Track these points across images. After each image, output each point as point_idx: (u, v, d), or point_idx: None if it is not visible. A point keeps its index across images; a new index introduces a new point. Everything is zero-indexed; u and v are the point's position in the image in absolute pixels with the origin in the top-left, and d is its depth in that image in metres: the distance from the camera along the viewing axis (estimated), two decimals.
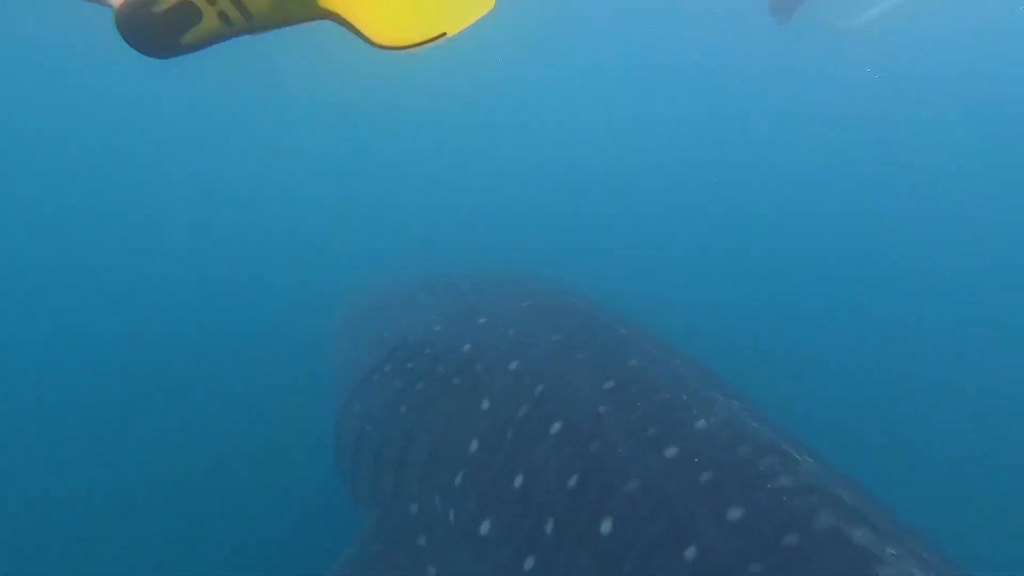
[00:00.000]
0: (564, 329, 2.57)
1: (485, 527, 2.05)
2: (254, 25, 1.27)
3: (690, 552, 1.59)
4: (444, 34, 1.25)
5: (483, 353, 2.54)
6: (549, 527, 1.88)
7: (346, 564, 2.44)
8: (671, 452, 1.82)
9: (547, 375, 2.27)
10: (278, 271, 7.18)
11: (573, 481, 1.90)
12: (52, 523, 4.23)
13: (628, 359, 2.32)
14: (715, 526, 1.60)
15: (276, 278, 7.03)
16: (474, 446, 2.22)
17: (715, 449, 1.79)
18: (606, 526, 1.77)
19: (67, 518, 4.27)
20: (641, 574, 1.65)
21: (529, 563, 1.88)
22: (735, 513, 1.60)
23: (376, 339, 3.18)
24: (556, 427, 2.05)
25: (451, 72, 13.59)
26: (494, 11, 1.34)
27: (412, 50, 1.25)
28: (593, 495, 1.84)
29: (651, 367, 2.27)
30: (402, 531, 2.42)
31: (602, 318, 2.76)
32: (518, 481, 2.02)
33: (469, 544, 2.10)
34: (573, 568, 1.80)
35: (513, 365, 2.38)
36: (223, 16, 1.23)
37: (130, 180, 9.99)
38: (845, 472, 1.89)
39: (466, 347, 2.63)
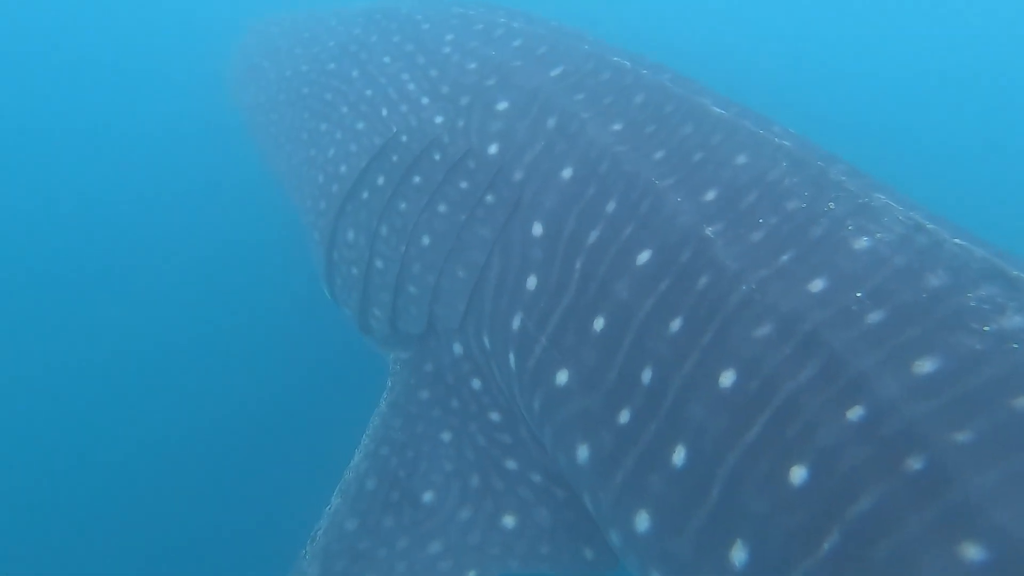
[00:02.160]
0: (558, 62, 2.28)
1: (563, 376, 1.81)
2: None
3: (855, 413, 1.22)
4: None
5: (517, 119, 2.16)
6: (647, 376, 1.61)
7: (391, 409, 2.23)
8: (818, 285, 1.41)
9: (624, 172, 1.87)
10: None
11: (677, 323, 1.59)
12: (50, 523, 3.91)
13: (682, 125, 1.92)
14: (895, 380, 1.21)
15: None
16: (531, 283, 1.96)
17: (887, 277, 1.36)
18: (728, 377, 1.43)
19: (60, 518, 3.95)
20: (781, 437, 1.30)
21: (624, 416, 1.63)
22: (927, 366, 1.19)
23: (342, 112, 2.78)
24: (645, 256, 1.72)
25: None
26: None
27: None
28: (707, 339, 1.49)
29: (717, 128, 1.85)
30: (448, 373, 2.26)
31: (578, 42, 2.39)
32: (599, 323, 1.76)
33: (540, 393, 1.87)
34: (683, 423, 1.49)
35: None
36: None
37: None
38: None
39: (502, 104, 2.23)
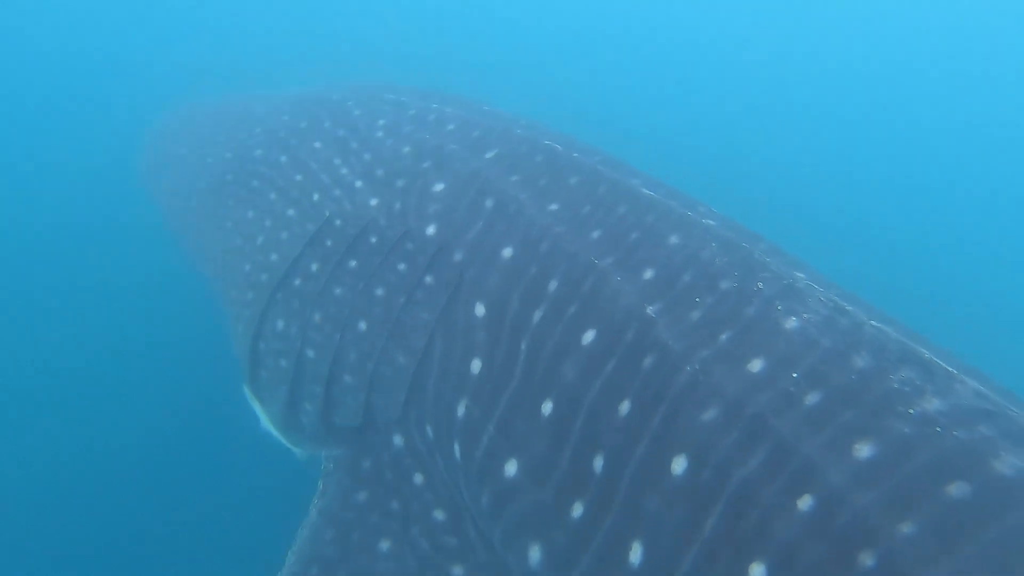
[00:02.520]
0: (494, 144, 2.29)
1: (512, 467, 1.71)
2: None
3: (805, 503, 1.22)
4: None
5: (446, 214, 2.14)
6: (598, 464, 1.55)
7: (323, 517, 2.05)
8: (756, 365, 1.43)
9: (549, 248, 1.90)
10: None
11: (625, 406, 1.55)
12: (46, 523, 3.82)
13: (616, 206, 1.94)
14: (839, 467, 1.22)
15: None
16: (476, 366, 1.89)
17: (818, 359, 1.39)
18: (679, 464, 1.41)
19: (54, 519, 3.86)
20: (737, 531, 1.28)
21: (577, 510, 1.55)
22: (865, 451, 1.22)
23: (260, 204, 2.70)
24: (589, 336, 1.69)
25: None
26: None
27: None
28: (656, 423, 1.47)
29: (649, 209, 1.88)
30: (388, 469, 2.11)
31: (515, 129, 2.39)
32: (547, 407, 1.69)
33: (489, 486, 1.76)
34: (638, 517, 1.44)
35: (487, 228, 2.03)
36: None
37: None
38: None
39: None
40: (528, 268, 1.91)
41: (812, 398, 1.33)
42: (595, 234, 1.89)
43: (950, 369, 1.33)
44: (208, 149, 3.21)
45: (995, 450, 1.16)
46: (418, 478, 2.07)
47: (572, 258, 1.84)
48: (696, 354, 1.50)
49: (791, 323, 1.49)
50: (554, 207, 2.03)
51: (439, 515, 2.00)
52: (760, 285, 1.59)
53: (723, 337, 1.51)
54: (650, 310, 1.62)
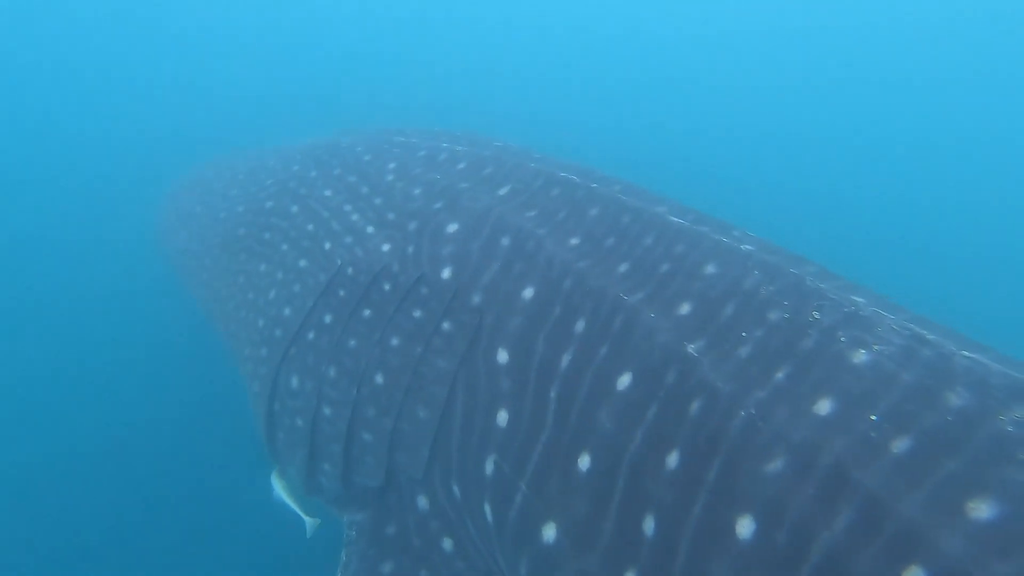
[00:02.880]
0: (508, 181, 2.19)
1: (550, 531, 1.54)
2: None
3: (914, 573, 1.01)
4: None
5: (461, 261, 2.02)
6: (649, 526, 1.37)
7: None
8: (824, 407, 1.23)
9: (576, 285, 1.75)
10: None
11: (673, 458, 1.37)
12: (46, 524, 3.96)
13: (642, 236, 1.80)
14: (954, 530, 1.00)
15: None
16: (502, 418, 1.74)
17: (901, 397, 1.19)
18: (746, 525, 1.21)
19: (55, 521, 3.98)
20: None
21: None
22: (983, 510, 1.00)
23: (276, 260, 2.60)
24: (626, 380, 1.53)
25: None
26: None
27: None
28: (712, 477, 1.28)
29: (679, 238, 1.73)
30: (414, 535, 1.95)
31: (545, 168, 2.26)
32: (584, 462, 1.52)
33: (526, 553, 1.59)
34: None
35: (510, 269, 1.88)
36: None
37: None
38: None
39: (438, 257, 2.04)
40: (552, 308, 1.77)
41: (901, 445, 1.13)
42: (622, 268, 1.75)
43: None
44: (221, 204, 3.17)
45: None
46: (447, 544, 1.90)
47: (599, 295, 1.69)
48: (750, 396, 1.32)
49: (860, 356, 1.29)
50: (575, 241, 1.89)
51: None
52: (816, 314, 1.41)
53: (779, 375, 1.33)
54: (691, 348, 1.45)
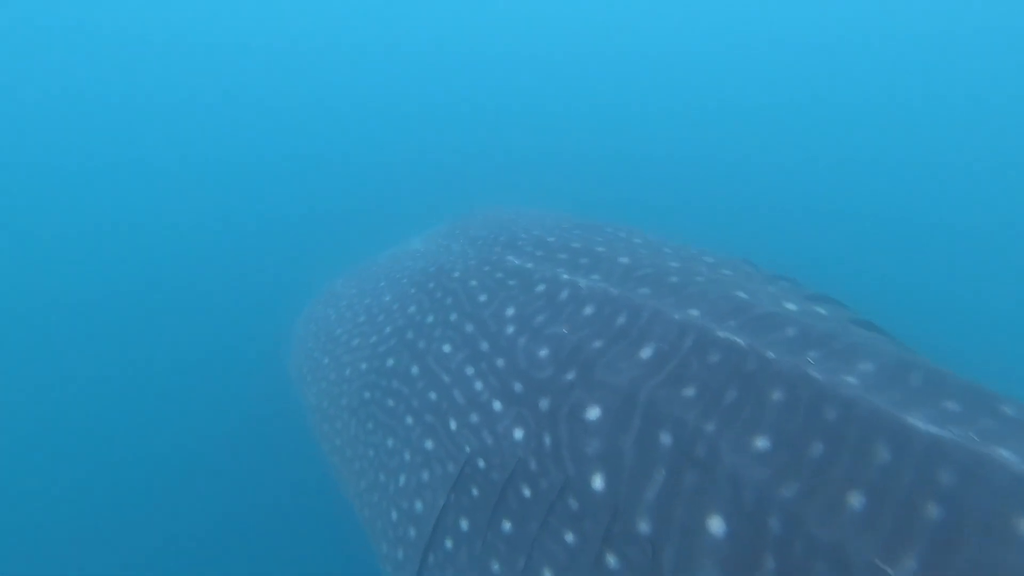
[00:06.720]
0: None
1: None
2: None
3: None
4: None
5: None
6: None
7: None
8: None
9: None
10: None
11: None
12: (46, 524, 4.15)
13: (874, 446, 1.34)
14: None
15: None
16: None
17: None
18: None
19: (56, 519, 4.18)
20: None
21: None
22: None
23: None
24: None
25: None
26: None
27: None
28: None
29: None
30: None
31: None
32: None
33: None
34: None
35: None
36: None
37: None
38: None
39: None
40: (759, 553, 1.30)
41: None
42: (854, 501, 1.27)
43: None
44: (345, 358, 2.99)
45: None
46: None
47: (834, 550, 1.22)
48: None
49: None
50: (762, 443, 1.41)
51: None
52: None
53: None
54: None
